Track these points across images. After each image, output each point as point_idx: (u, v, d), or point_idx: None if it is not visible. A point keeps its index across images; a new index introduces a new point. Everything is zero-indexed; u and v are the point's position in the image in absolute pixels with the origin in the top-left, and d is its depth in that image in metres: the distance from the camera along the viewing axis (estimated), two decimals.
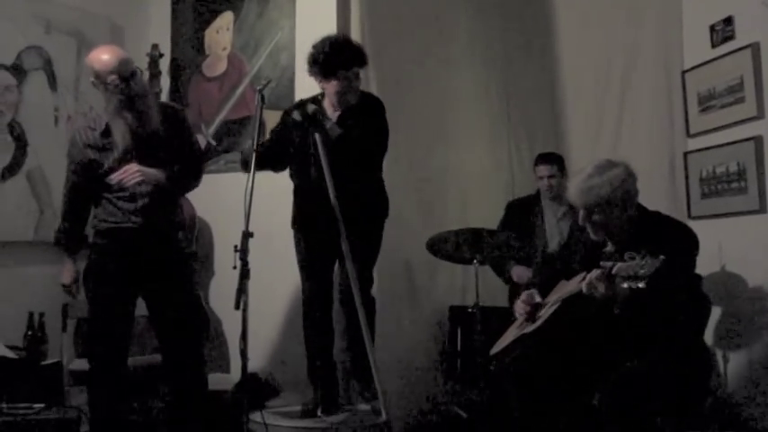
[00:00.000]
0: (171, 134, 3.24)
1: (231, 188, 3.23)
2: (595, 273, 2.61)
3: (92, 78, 3.14)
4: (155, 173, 3.15)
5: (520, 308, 2.99)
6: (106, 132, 3.18)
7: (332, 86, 3.29)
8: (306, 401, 3.46)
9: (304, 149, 3.35)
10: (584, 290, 2.63)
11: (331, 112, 3.36)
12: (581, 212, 2.80)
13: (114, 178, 3.10)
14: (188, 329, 3.29)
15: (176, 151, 3.24)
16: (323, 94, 3.40)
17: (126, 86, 3.08)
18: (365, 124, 3.30)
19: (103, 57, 3.11)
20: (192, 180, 3.37)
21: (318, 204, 3.26)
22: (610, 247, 2.85)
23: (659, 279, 2.44)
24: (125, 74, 3.09)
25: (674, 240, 2.73)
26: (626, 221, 2.79)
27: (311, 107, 3.24)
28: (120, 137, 3.13)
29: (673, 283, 2.56)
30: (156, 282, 3.22)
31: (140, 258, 3.18)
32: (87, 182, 3.22)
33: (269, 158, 3.28)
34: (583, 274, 2.70)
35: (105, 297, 3.19)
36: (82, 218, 3.33)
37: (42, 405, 3.25)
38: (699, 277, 2.87)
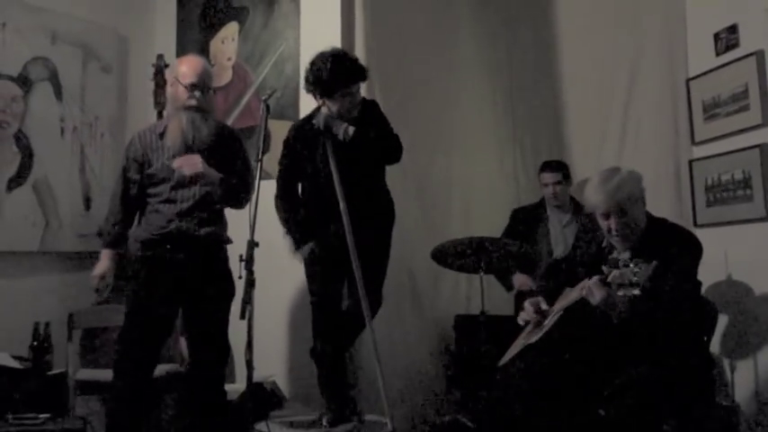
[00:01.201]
0: (221, 151, 3.32)
1: None
2: (594, 279, 2.61)
3: (172, 76, 3.32)
4: (213, 171, 3.23)
5: (526, 314, 2.98)
6: (163, 136, 3.28)
7: (335, 104, 3.30)
8: (318, 412, 3.47)
9: (314, 162, 3.35)
10: (584, 295, 2.63)
11: None
12: (616, 217, 2.77)
13: (176, 163, 3.18)
14: (220, 344, 3.33)
15: (223, 166, 3.29)
16: (318, 108, 3.41)
17: (197, 92, 3.23)
18: (375, 128, 3.32)
19: (193, 61, 3.33)
20: (243, 192, 3.36)
21: (327, 215, 3.28)
22: (616, 254, 2.85)
23: (654, 284, 2.45)
24: (201, 83, 3.25)
25: (678, 246, 2.73)
26: (642, 221, 2.79)
27: (323, 112, 3.30)
28: (170, 136, 3.24)
29: (669, 288, 2.57)
30: (198, 294, 3.24)
31: (185, 268, 3.21)
32: (141, 177, 3.28)
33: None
34: (585, 282, 2.70)
35: (144, 308, 3.20)
36: (132, 216, 3.35)
37: (48, 415, 3.25)
38: (698, 283, 2.86)
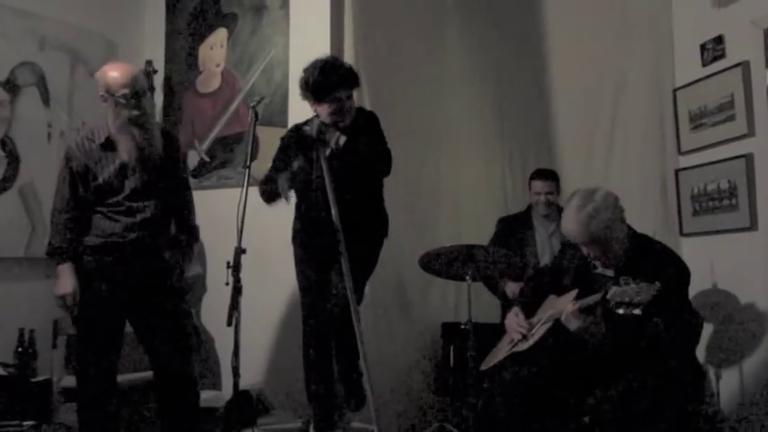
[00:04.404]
0: (168, 157, 3.24)
1: (224, 204, 3.25)
2: (570, 308, 2.61)
3: (101, 92, 3.13)
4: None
5: (513, 328, 2.98)
6: (105, 146, 3.15)
7: (324, 109, 3.29)
8: (304, 419, 3.45)
9: (307, 170, 3.35)
10: (562, 320, 2.64)
11: None
12: (592, 247, 2.74)
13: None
14: (177, 349, 3.24)
15: (169, 175, 3.22)
16: (316, 117, 3.41)
17: (137, 102, 3.09)
18: (366, 139, 3.30)
19: (116, 71, 3.13)
20: (190, 225, 3.38)
21: (319, 222, 3.27)
22: (600, 269, 2.85)
23: (652, 308, 2.42)
24: (137, 89, 3.10)
25: (670, 274, 2.68)
26: (623, 241, 2.78)
27: (317, 120, 3.26)
28: (127, 153, 3.12)
29: (664, 315, 2.55)
30: (145, 301, 3.16)
31: (131, 276, 3.14)
32: (86, 191, 3.17)
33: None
34: (574, 293, 2.71)
35: (96, 316, 3.12)
36: (82, 227, 3.19)
37: (32, 422, 3.24)
38: (689, 304, 2.87)
